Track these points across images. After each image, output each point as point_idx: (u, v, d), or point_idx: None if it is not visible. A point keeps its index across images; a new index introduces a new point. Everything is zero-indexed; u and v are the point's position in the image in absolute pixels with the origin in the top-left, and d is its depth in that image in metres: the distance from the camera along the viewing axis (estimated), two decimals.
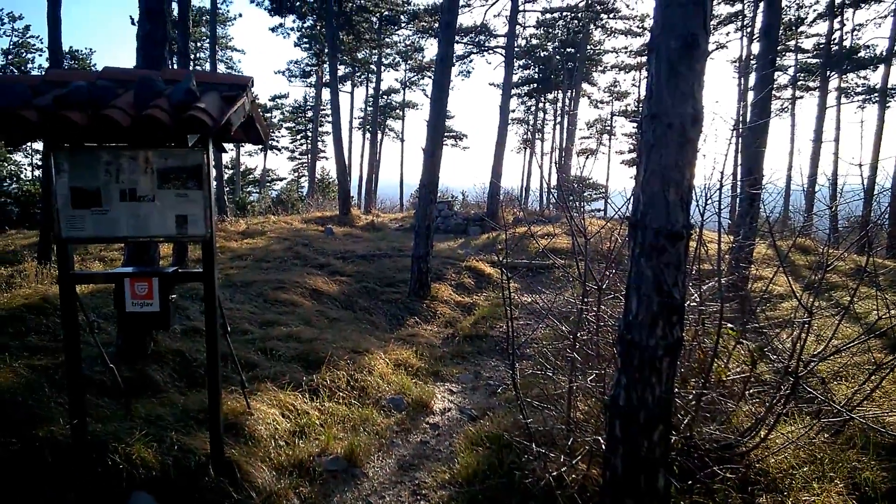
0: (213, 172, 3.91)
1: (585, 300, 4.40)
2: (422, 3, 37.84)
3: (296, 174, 52.76)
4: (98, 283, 3.91)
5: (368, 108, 42.96)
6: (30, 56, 35.21)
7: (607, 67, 34.63)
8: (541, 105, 41.27)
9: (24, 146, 39.44)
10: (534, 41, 31.42)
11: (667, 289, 2.64)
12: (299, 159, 52.08)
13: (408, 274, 10.81)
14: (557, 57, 32.11)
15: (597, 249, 4.70)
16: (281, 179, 52.34)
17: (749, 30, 28.16)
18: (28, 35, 35.24)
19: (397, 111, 43.53)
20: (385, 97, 41.04)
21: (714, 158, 12.73)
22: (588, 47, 30.66)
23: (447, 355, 7.41)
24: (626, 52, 34.12)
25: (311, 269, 10.82)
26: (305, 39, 33.12)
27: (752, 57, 27.62)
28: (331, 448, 4.66)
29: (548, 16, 28.07)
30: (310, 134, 45.89)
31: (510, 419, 4.97)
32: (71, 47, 36.87)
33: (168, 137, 3.66)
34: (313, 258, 11.86)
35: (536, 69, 35.39)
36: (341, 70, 33.65)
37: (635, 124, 37.16)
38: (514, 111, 39.07)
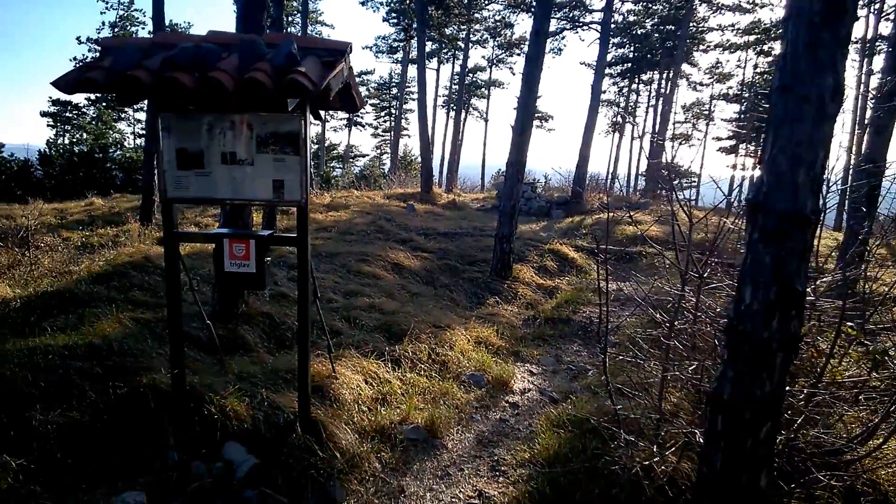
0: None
1: (684, 289, 4.18)
2: None
3: (378, 151, 53.62)
4: (198, 241, 4.05)
5: (454, 86, 42.87)
6: (133, 29, 37.31)
7: (710, 47, 32.52)
8: (634, 86, 39.79)
9: (126, 116, 42.16)
10: (630, 17, 30.13)
11: (787, 278, 2.43)
12: (382, 136, 52.83)
13: (489, 253, 10.74)
14: (656, 35, 30.69)
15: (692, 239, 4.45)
16: (363, 156, 53.33)
17: (878, 6, 25.77)
18: (132, 8, 37.33)
19: (482, 89, 43.15)
20: (471, 75, 40.75)
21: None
22: (691, 24, 29.06)
23: (528, 337, 7.31)
24: (732, 30, 32.04)
25: (394, 244, 10.95)
26: (394, 14, 33.31)
27: (879, 38, 25.42)
28: (412, 417, 4.70)
29: None
30: (394, 111, 46.43)
31: (594, 404, 4.83)
32: (171, 20, 38.83)
33: (269, 101, 3.72)
34: (395, 233, 12.00)
35: (632, 48, 33.97)
36: (428, 46, 33.66)
37: (738, 109, 35.15)
38: (604, 92, 37.74)
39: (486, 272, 9.99)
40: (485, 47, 38.29)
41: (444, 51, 38.13)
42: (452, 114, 40.97)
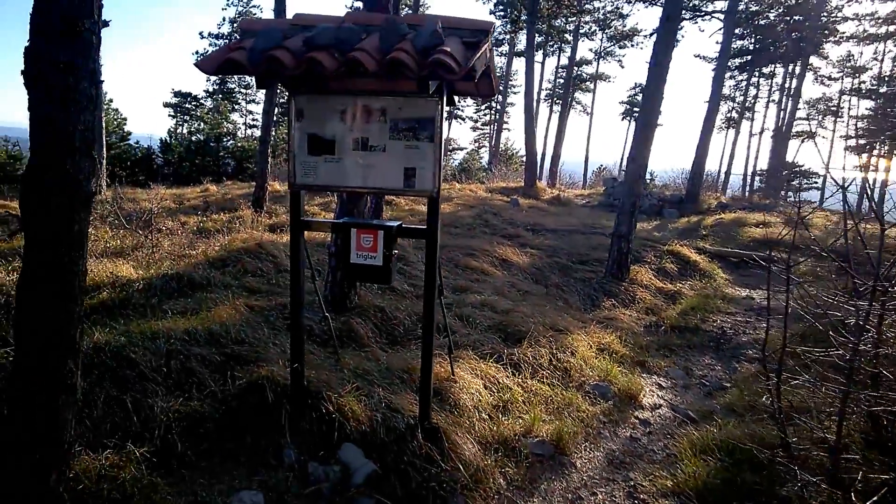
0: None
1: (868, 303, 3.53)
2: None
3: (476, 144, 53.33)
4: (323, 230, 3.85)
5: (558, 80, 41.82)
6: None
7: (843, 38, 29.77)
8: (753, 80, 37.17)
9: (239, 108, 44.18)
10: (752, 7, 28.03)
11: None
12: (481, 129, 52.49)
13: (602, 252, 10.16)
14: (781, 25, 28.41)
15: (825, 245, 3.76)
16: (462, 149, 53.22)
17: None
18: (251, 4, 38.95)
19: (587, 83, 41.83)
20: (575, 68, 39.55)
21: None
22: (822, 14, 26.65)
23: (652, 345, 6.73)
24: (870, 20, 29.17)
25: (500, 239, 10.59)
26: (502, 6, 32.81)
27: None
28: (536, 429, 4.32)
29: None
30: (494, 104, 45.95)
31: (744, 429, 4.26)
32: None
33: (408, 83, 3.44)
34: (501, 228, 11.64)
35: (753, 39, 31.69)
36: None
37: (871, 104, 32.00)
38: (712, 85, 35.57)
39: (599, 272, 9.42)
40: (592, 39, 36.94)
41: (550, 43, 37.21)
42: (556, 108, 39.97)
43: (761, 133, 38.36)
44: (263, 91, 15.72)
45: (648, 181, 19.37)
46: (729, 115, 38.17)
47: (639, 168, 9.12)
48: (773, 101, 37.26)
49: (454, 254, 9.26)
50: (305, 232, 3.92)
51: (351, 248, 3.69)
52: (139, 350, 4.50)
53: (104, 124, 22.20)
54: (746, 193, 29.11)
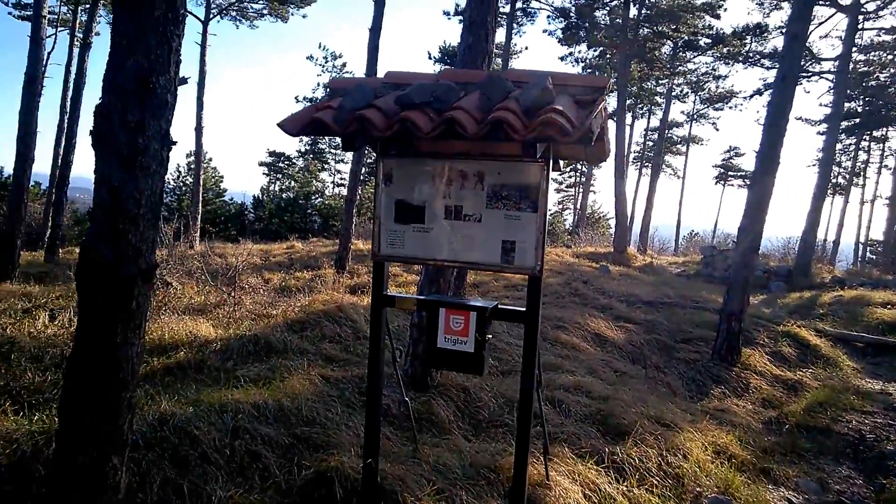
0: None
1: None
2: (725, 25, 34.47)
3: (560, 206, 52.65)
4: (408, 308, 3.37)
5: (648, 142, 40.86)
6: None
7: None
8: (863, 144, 34.80)
9: (328, 167, 45.79)
10: (861, 67, 26.40)
11: None
12: (566, 191, 51.89)
13: (706, 330, 9.21)
14: (893, 88, 26.59)
15: None
16: None
17: None
18: (344, 70, 40.79)
19: (678, 146, 40.62)
20: (666, 130, 38.50)
21: None
22: None
23: (777, 448, 5.76)
24: None
25: (592, 310, 9.84)
26: (589, 70, 32.70)
27: None
28: None
29: (886, 37, 23.29)
30: (579, 166, 45.38)
31: None
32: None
33: (510, 146, 3.00)
34: (593, 298, 10.89)
35: (862, 101, 29.79)
36: None
37: None
38: (822, 149, 33.53)
39: (705, 354, 8.47)
40: (684, 102, 36.00)
41: (640, 105, 36.56)
42: (645, 170, 38.89)
43: (873, 200, 35.66)
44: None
45: None
46: (835, 180, 35.78)
47: (753, 239, 8.23)
48: (887, 166, 34.71)
49: (542, 326, 8.57)
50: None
51: (438, 330, 3.20)
52: (204, 425, 4.15)
53: (202, 181, 23.40)
54: (858, 265, 26.74)
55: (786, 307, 12.70)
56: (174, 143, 2.56)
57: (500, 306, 3.25)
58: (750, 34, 20.92)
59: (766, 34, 21.52)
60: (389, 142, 3.22)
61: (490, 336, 3.19)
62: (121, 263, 2.36)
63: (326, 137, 43.47)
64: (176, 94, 2.58)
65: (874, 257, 29.23)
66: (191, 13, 20.12)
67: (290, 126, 2.86)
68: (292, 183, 34.38)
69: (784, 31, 8.96)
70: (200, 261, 11.83)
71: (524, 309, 3.19)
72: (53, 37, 21.25)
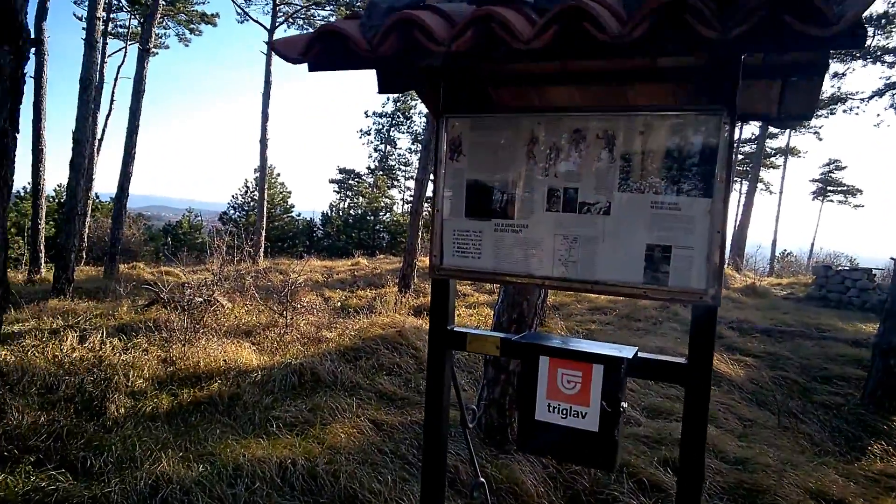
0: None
1: None
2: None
3: None
4: (487, 351, 2.11)
5: (739, 155, 38.04)
6: (413, 103, 40.02)
7: None
8: None
9: (398, 184, 45.23)
10: None
11: None
12: None
13: (845, 367, 7.53)
14: None
15: None
16: None
17: None
18: None
19: (772, 158, 37.46)
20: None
21: None
22: None
23: None
24: None
25: None
26: None
27: None
28: None
29: None
30: None
31: None
32: None
33: (663, 91, 1.77)
34: None
35: None
36: None
37: None
38: None
39: (850, 397, 6.78)
40: None
41: None
42: (743, 185, 35.92)
43: None
44: (417, 158, 14.87)
45: (873, 272, 15.57)
46: None
47: None
48: None
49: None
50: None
51: (537, 391, 1.96)
52: (205, 499, 3.06)
53: (269, 196, 23.06)
54: None
55: None
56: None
57: (642, 355, 1.97)
58: (873, 26, 18.20)
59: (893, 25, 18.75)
60: (455, 84, 2.04)
61: (625, 405, 1.92)
62: None
63: (396, 153, 43.19)
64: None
65: None
66: (256, 21, 19.84)
67: (289, 48, 1.70)
68: (361, 199, 33.89)
69: None
70: (256, 277, 11.05)
71: (682, 360, 1.91)
72: (124, 50, 21.59)
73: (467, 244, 2.10)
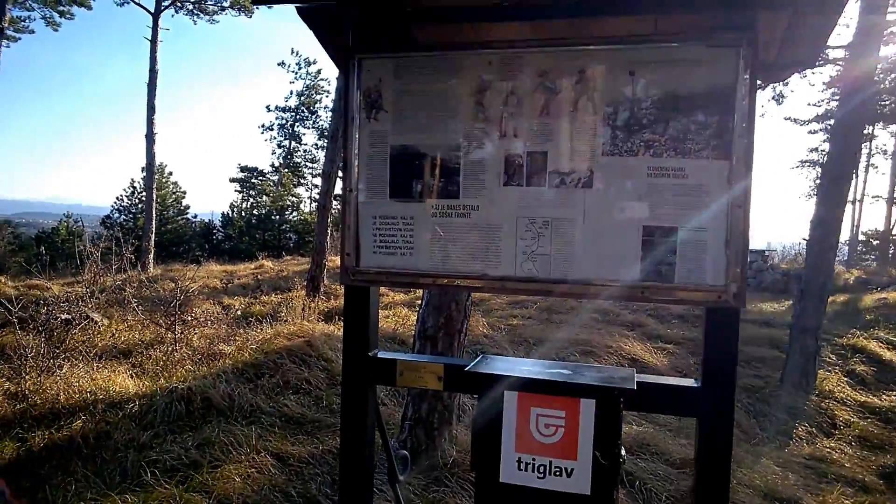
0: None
1: None
2: None
3: None
4: (426, 385, 1.50)
5: None
6: (318, 97, 38.58)
7: None
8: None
9: (304, 182, 43.70)
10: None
11: None
12: None
13: (760, 348, 7.57)
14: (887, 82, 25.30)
15: None
16: None
17: None
18: (319, 77, 38.74)
19: None
20: None
21: None
22: None
23: None
24: None
25: (620, 329, 8.11)
26: None
27: None
28: None
29: None
30: None
31: None
32: None
33: (650, 23, 1.25)
34: (616, 312, 9.13)
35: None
36: None
37: None
38: (816, 150, 32.32)
39: (769, 380, 6.74)
40: None
41: None
42: None
43: (861, 200, 34.61)
44: (324, 154, 13.98)
45: (766, 253, 16.35)
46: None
47: (829, 234, 6.56)
48: (873, 164, 33.63)
49: (565, 352, 6.88)
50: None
51: (502, 441, 1.38)
52: None
53: (159, 198, 21.30)
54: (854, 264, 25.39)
55: (825, 315, 11.09)
56: None
57: (643, 381, 1.44)
58: None
59: None
60: (370, 8, 1.43)
61: (625, 455, 1.38)
62: None
63: (302, 150, 41.60)
64: None
65: (872, 255, 27.90)
66: (139, 4, 18.02)
67: None
68: (265, 198, 32.20)
69: None
70: (141, 287, 9.89)
71: (694, 383, 1.41)
72: None
73: (394, 236, 1.51)
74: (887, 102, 24.47)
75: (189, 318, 7.33)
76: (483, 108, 1.43)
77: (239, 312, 9.46)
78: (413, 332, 4.34)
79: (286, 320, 7.94)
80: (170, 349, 6.35)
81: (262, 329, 7.25)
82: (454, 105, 1.44)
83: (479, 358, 1.50)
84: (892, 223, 28.35)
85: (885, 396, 6.75)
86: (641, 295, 1.37)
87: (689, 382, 1.44)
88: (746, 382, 6.80)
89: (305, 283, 11.64)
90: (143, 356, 6.15)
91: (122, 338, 6.82)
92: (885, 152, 32.37)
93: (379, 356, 1.56)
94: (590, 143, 1.38)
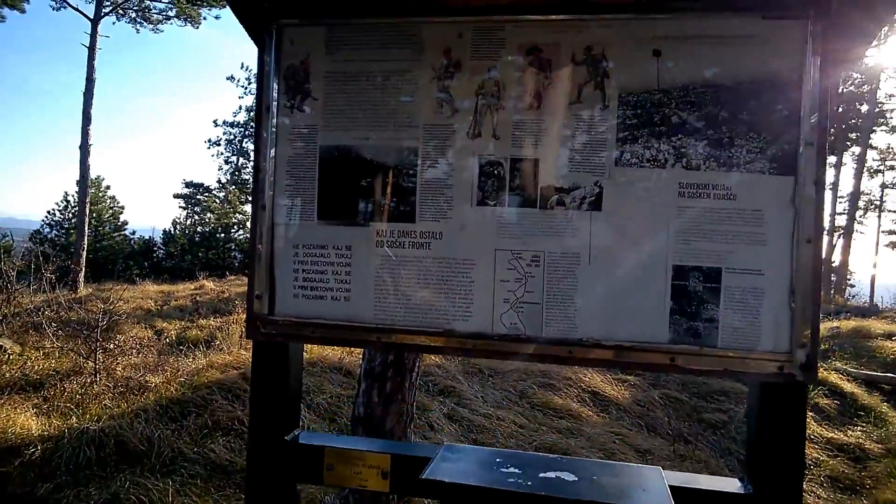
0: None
1: None
2: None
3: None
4: (367, 485, 1.06)
5: None
6: None
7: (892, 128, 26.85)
8: None
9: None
10: None
11: None
12: None
13: (731, 380, 7.33)
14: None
15: None
16: None
17: None
18: None
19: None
20: None
21: None
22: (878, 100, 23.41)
23: None
24: None
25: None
26: None
27: None
28: None
29: None
30: None
31: None
32: None
33: None
34: None
35: None
36: None
37: None
38: None
39: (732, 412, 6.51)
40: None
41: None
42: None
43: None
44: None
45: None
46: None
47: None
48: None
49: (524, 384, 6.47)
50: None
51: None
52: None
53: (93, 212, 20.15)
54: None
55: None
56: None
57: (676, 485, 1.03)
58: None
59: None
60: None
61: None
62: None
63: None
64: None
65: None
66: (76, 9, 17.05)
67: None
68: (210, 216, 31.05)
69: None
70: (61, 309, 9.05)
71: (741, 487, 1.02)
72: None
73: (324, 272, 1.07)
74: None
75: (112, 346, 6.63)
76: (450, 98, 1.02)
77: (173, 337, 8.76)
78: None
79: (221, 348, 7.33)
80: (88, 381, 5.67)
81: (194, 358, 6.63)
82: (410, 91, 1.03)
83: (439, 451, 1.05)
84: (832, 251, 29.39)
85: (850, 432, 6.59)
86: (671, 364, 0.97)
87: (733, 485, 1.04)
88: (709, 417, 6.54)
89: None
90: (55, 389, 5.47)
91: (36, 367, 6.10)
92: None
93: (301, 441, 1.12)
94: (596, 148, 0.99)
